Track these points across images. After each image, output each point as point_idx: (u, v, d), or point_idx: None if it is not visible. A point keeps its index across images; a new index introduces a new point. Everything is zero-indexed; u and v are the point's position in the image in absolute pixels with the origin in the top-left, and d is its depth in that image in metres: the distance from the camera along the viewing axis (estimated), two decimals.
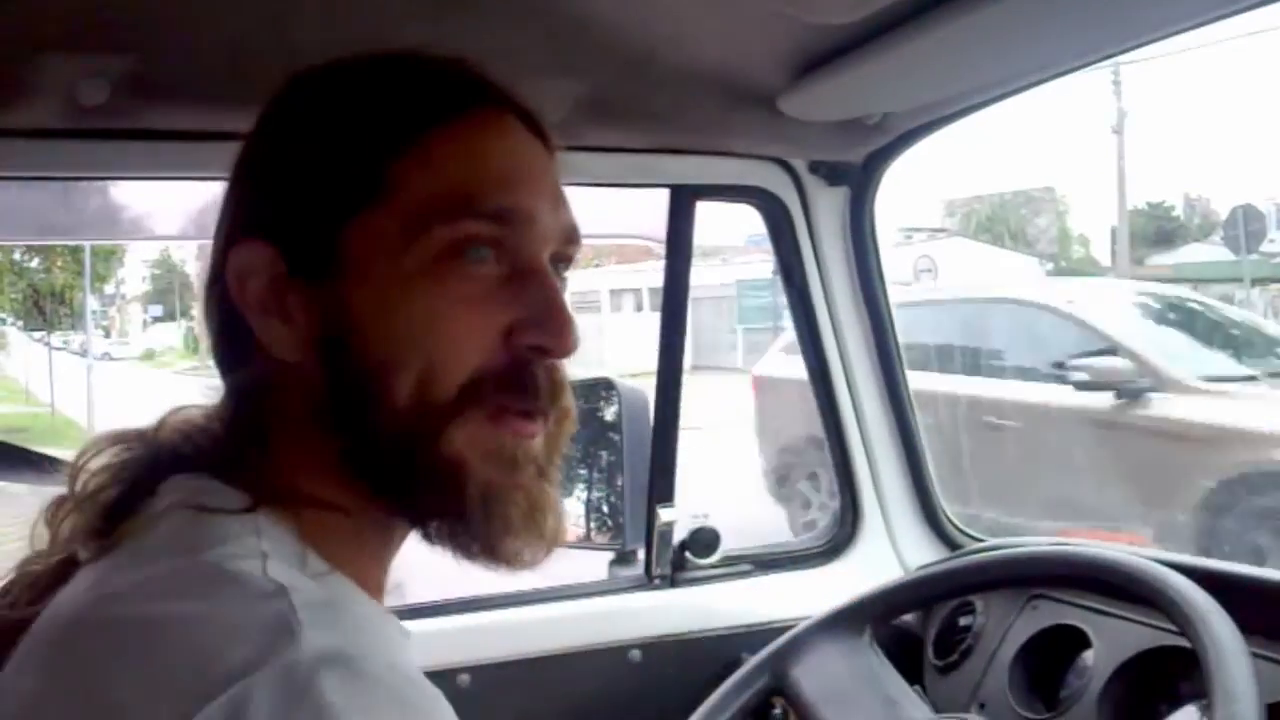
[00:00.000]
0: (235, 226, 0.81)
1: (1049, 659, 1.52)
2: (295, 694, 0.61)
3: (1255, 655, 1.09)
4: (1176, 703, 1.34)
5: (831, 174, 1.92)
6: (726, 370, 20.45)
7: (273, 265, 0.78)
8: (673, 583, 1.88)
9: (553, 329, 0.78)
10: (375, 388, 0.75)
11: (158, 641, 0.66)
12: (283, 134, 0.82)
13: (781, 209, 1.93)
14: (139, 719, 0.62)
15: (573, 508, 1.91)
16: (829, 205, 1.94)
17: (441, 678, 1.61)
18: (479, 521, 0.77)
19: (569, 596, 1.84)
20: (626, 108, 1.61)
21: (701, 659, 1.74)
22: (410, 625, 1.66)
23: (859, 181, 1.93)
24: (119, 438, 0.84)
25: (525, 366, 0.78)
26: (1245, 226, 17.17)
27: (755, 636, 1.68)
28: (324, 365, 0.77)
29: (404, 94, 0.80)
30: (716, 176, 1.89)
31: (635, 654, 1.76)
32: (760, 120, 1.63)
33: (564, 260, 0.84)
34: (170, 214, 1.81)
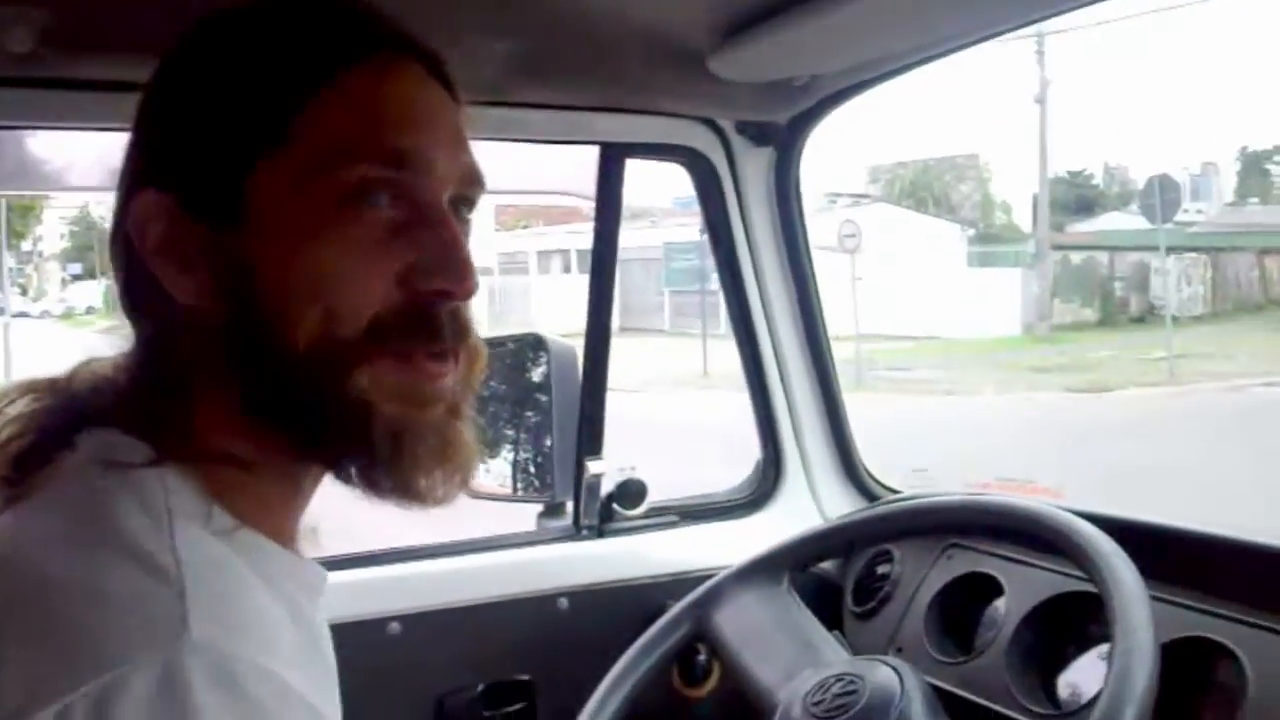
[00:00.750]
0: (136, 174, 0.81)
1: (964, 605, 1.57)
2: (166, 690, 0.62)
3: (1154, 597, 1.15)
4: (1084, 645, 1.40)
5: (758, 134, 1.94)
6: (653, 332, 20.58)
7: (172, 212, 0.78)
8: (600, 533, 1.90)
9: (451, 272, 0.79)
10: (275, 334, 0.76)
11: (50, 609, 0.66)
12: (184, 80, 0.81)
13: (709, 168, 1.95)
14: (16, 679, 0.63)
15: (502, 463, 1.93)
16: (755, 165, 1.96)
17: (371, 626, 1.65)
18: (388, 459, 0.78)
19: (497, 547, 1.86)
20: (558, 65, 1.61)
21: (628, 607, 1.77)
22: (340, 576, 1.68)
23: (785, 142, 1.95)
24: (30, 387, 0.84)
25: (427, 308, 0.79)
26: (1161, 196, 17.63)
27: (680, 585, 1.70)
28: (224, 312, 0.78)
29: (308, 39, 0.80)
30: (646, 135, 1.90)
31: (563, 602, 1.79)
32: (690, 80, 1.64)
33: (466, 203, 0.84)
34: (91, 166, 1.78)
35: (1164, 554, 1.32)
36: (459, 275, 0.79)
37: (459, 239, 0.80)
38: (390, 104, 0.80)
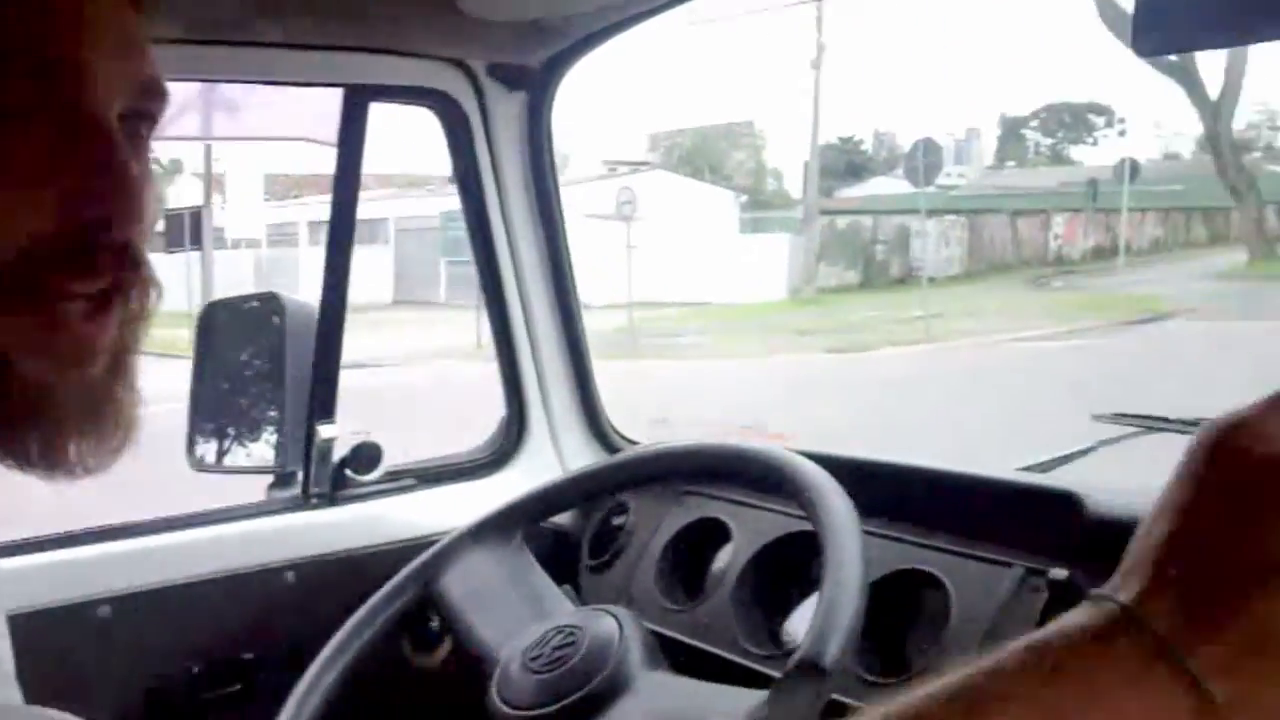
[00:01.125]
0: None
1: (696, 552, 1.57)
2: None
3: (870, 533, 1.16)
4: (809, 587, 1.40)
5: (511, 78, 1.88)
6: (430, 305, 20.27)
7: None
8: (331, 501, 1.81)
9: (113, 195, 0.69)
10: None
11: None
12: None
13: (459, 114, 1.88)
14: None
15: (230, 431, 1.82)
16: (507, 111, 1.91)
17: (79, 610, 1.53)
18: (28, 425, 0.69)
19: (219, 520, 1.74)
20: (300, 1, 1.52)
21: (361, 576, 1.67)
22: (44, 557, 1.56)
23: (539, 86, 1.91)
24: None
25: (84, 239, 0.68)
26: (924, 159, 18.45)
27: (415, 550, 1.62)
28: None
29: None
30: (393, 77, 1.82)
31: (289, 575, 1.70)
32: (439, 17, 1.58)
33: (146, 118, 0.74)
34: None
35: (882, 489, 1.34)
36: (120, 197, 0.69)
37: (124, 159, 0.69)
38: (43, 10, 0.68)
